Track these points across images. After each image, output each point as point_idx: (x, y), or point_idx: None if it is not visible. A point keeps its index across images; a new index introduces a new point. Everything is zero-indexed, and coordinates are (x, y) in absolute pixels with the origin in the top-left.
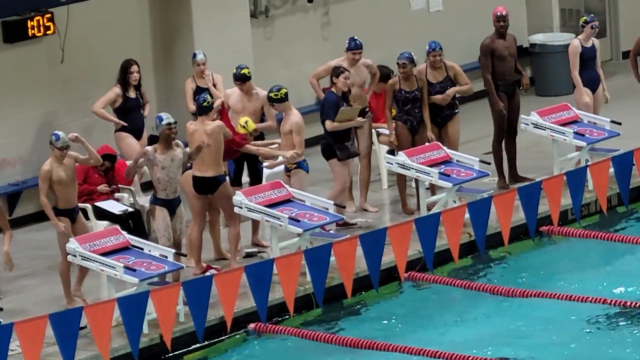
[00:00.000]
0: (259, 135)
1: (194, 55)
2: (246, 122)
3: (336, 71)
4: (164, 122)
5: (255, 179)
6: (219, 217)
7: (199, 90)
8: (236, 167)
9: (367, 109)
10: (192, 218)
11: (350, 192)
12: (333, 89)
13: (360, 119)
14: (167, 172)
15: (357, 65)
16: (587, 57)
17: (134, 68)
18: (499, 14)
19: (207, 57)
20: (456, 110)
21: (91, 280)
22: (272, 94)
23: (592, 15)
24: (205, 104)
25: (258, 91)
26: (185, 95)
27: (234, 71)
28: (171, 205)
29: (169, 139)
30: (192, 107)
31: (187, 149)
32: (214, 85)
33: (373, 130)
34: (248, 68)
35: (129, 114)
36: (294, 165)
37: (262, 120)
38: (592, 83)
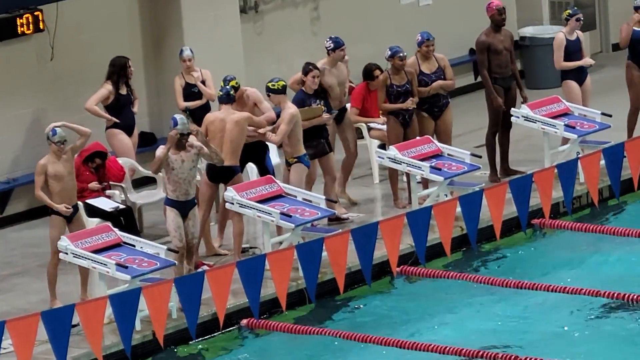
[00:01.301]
0: None
1: (181, 51)
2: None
3: (305, 69)
4: (178, 127)
5: (265, 174)
6: (210, 214)
7: (188, 87)
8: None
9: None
10: (199, 205)
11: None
12: (304, 87)
13: (326, 115)
14: (177, 173)
15: (337, 65)
16: (572, 50)
17: (130, 63)
18: (499, 7)
19: (196, 53)
20: (449, 100)
21: (74, 277)
22: (269, 84)
23: (575, 8)
24: (231, 92)
25: (248, 93)
26: (175, 92)
27: (222, 84)
28: (182, 208)
29: (180, 143)
30: (182, 103)
31: (207, 150)
32: (203, 82)
33: (363, 125)
34: (235, 78)
35: (121, 111)
36: (295, 159)
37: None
38: (578, 75)
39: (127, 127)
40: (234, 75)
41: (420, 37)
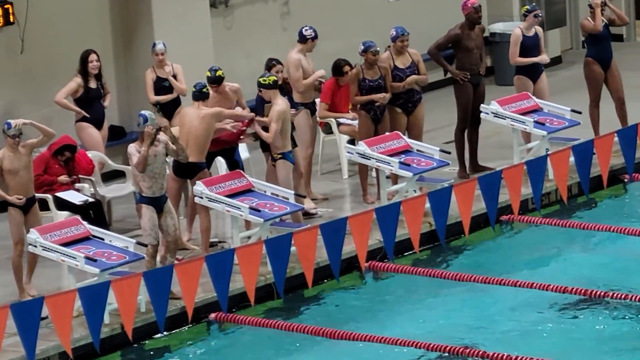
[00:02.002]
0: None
1: (154, 44)
2: None
3: (268, 64)
4: (149, 122)
5: (234, 168)
6: (178, 208)
7: (159, 81)
8: (208, 161)
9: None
10: None
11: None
12: None
13: (292, 110)
14: (152, 169)
15: (308, 56)
16: (529, 45)
17: (93, 57)
18: (476, 5)
19: (167, 48)
20: (421, 95)
21: (52, 270)
22: (260, 79)
23: (534, 4)
24: (204, 89)
25: (229, 87)
26: (146, 86)
27: (208, 74)
28: (158, 203)
29: (151, 140)
30: (153, 97)
31: (172, 146)
32: (175, 76)
33: (333, 120)
34: (221, 69)
35: (90, 104)
36: (279, 156)
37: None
38: (533, 72)
39: (97, 121)
40: (218, 66)
41: (394, 32)
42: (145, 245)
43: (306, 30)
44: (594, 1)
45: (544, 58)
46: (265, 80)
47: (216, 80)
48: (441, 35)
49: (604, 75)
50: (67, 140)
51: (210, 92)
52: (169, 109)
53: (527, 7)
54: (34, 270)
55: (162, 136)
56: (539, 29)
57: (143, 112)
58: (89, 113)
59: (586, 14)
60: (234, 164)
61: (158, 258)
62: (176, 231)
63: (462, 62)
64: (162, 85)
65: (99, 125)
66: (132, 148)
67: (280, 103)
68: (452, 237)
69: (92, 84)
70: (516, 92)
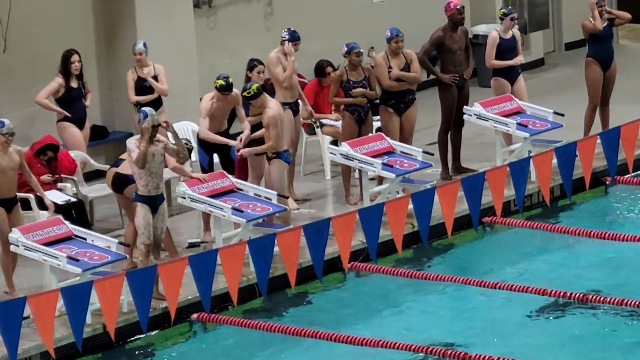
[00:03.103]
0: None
1: (134, 44)
2: None
3: (250, 65)
4: (149, 118)
5: (228, 168)
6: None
7: (140, 81)
8: (209, 158)
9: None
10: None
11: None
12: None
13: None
14: (149, 167)
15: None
16: (505, 48)
17: (75, 57)
18: (459, 7)
19: (150, 47)
20: (415, 96)
21: (34, 270)
22: (244, 94)
23: (510, 8)
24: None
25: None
26: (127, 86)
27: (222, 82)
28: (154, 203)
29: (151, 135)
30: (133, 97)
31: (172, 146)
32: (156, 77)
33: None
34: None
35: (72, 104)
36: (274, 155)
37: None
38: (510, 75)
39: (78, 121)
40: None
41: (389, 33)
42: (127, 245)
43: (283, 32)
44: (590, 1)
45: (518, 59)
46: (249, 93)
47: (230, 88)
48: (425, 35)
49: (603, 75)
50: (49, 139)
51: (215, 99)
52: None
53: (504, 10)
54: (14, 270)
55: (161, 137)
56: (517, 32)
57: (144, 108)
58: (70, 113)
59: (569, 16)
60: (229, 161)
61: (140, 258)
62: (162, 234)
63: (446, 64)
64: (143, 86)
65: (80, 125)
66: (132, 143)
67: (272, 107)
68: (435, 238)
69: (74, 84)
70: (494, 94)
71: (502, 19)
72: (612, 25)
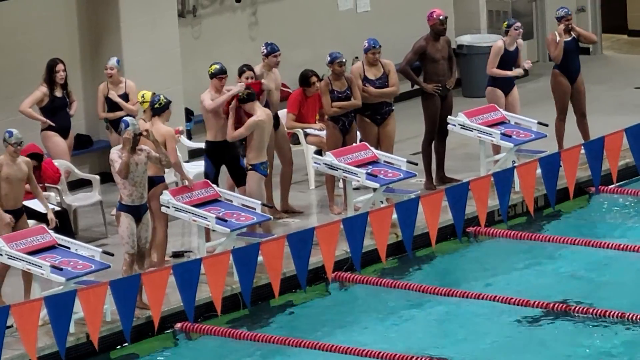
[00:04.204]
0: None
1: (109, 59)
2: (143, 95)
3: (240, 70)
4: (130, 128)
5: (239, 178)
6: None
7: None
8: (215, 171)
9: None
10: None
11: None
12: None
13: None
14: (133, 177)
15: (273, 70)
16: (507, 60)
17: (60, 67)
18: (441, 17)
19: (134, 56)
20: (393, 107)
21: (17, 279)
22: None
23: (512, 19)
24: (157, 105)
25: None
26: (97, 101)
27: (217, 66)
28: (137, 212)
29: (133, 145)
30: (102, 114)
31: (155, 154)
32: (127, 95)
33: (300, 131)
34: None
35: (56, 113)
36: (249, 167)
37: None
38: (506, 85)
39: (63, 130)
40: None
41: (366, 44)
42: (111, 254)
43: (261, 47)
44: (559, 30)
45: (518, 71)
46: (242, 95)
47: (225, 71)
48: (409, 45)
49: (570, 88)
50: (33, 148)
51: (213, 92)
52: (119, 126)
53: (507, 22)
54: (4, 279)
55: (143, 146)
56: (521, 42)
57: (125, 118)
58: (54, 122)
59: (553, 27)
60: (238, 170)
61: (124, 267)
62: (146, 244)
63: (429, 74)
64: (113, 101)
65: (64, 134)
66: (114, 154)
67: (259, 114)
68: (419, 248)
69: (58, 93)
70: (487, 103)
71: (507, 31)
72: (578, 41)
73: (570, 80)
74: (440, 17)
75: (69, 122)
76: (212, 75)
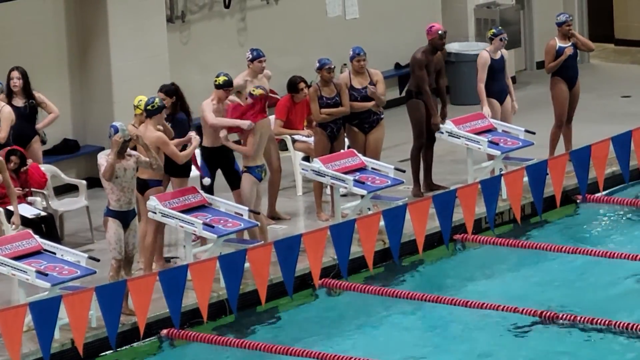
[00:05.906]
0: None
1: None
2: (140, 100)
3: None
4: (119, 133)
5: (233, 181)
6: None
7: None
8: (211, 175)
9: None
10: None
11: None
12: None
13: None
14: (121, 182)
15: (259, 77)
16: (496, 68)
17: (14, 74)
18: (440, 32)
19: (122, 62)
20: (382, 116)
21: (2, 284)
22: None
23: (499, 27)
24: (149, 107)
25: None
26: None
27: (225, 78)
28: (125, 218)
29: (122, 150)
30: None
31: (145, 159)
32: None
33: (288, 137)
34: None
35: (14, 123)
36: (245, 169)
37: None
38: (500, 94)
39: (21, 141)
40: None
41: (352, 52)
42: (97, 260)
43: (247, 53)
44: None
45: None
46: (254, 91)
47: (232, 83)
48: (397, 52)
49: (569, 94)
50: (12, 146)
51: (215, 101)
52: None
53: (494, 30)
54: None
55: (132, 151)
56: (505, 52)
57: (114, 123)
58: (13, 132)
59: (540, 35)
60: (233, 174)
61: (111, 273)
62: (134, 250)
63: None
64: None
65: (23, 145)
66: (102, 158)
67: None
68: (406, 255)
69: (17, 102)
70: (492, 116)
71: (491, 39)
72: (576, 47)
73: (569, 86)
74: (440, 32)
75: (30, 132)
76: (219, 87)
